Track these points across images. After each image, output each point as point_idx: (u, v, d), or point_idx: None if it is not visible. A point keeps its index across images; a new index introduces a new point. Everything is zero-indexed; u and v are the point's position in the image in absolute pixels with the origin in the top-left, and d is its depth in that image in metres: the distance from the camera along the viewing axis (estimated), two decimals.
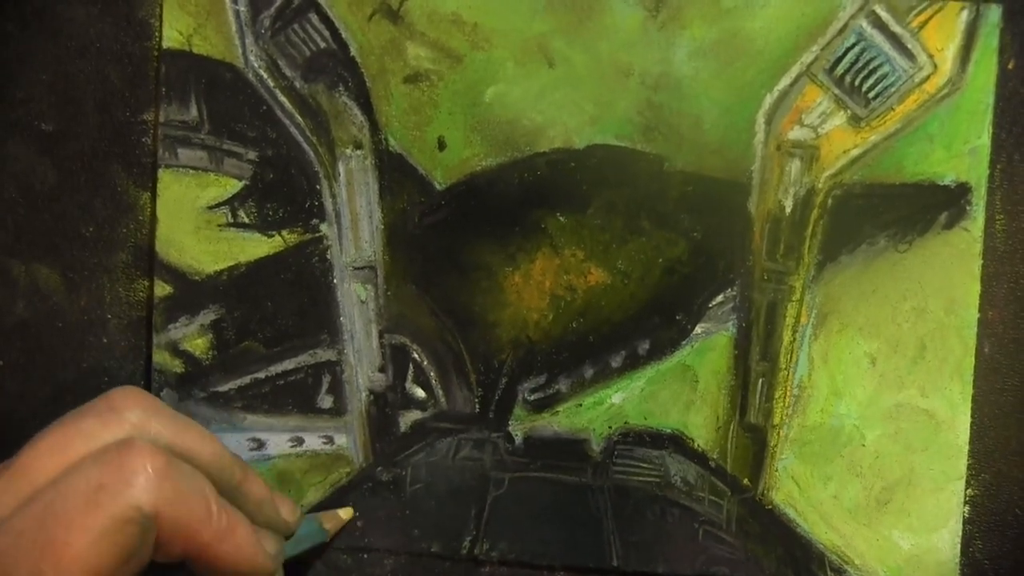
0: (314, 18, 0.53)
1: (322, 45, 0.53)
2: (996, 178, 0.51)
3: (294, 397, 0.54)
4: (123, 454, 0.36)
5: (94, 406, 0.39)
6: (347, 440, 0.54)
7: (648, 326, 0.53)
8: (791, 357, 0.52)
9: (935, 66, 0.50)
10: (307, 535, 0.47)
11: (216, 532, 0.38)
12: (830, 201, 0.51)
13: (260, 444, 0.55)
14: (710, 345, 0.53)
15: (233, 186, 0.54)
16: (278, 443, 0.55)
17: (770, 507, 0.53)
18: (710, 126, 0.51)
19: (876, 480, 0.52)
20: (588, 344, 0.53)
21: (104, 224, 0.55)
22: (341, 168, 0.53)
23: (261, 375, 0.54)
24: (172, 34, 0.53)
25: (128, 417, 0.38)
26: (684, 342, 0.53)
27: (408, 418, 0.54)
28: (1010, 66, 0.51)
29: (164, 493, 0.36)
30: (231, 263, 0.54)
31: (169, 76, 0.53)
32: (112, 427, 0.38)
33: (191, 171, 0.54)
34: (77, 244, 0.55)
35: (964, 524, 0.52)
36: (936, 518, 0.52)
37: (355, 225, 0.53)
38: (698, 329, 0.52)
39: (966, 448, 0.52)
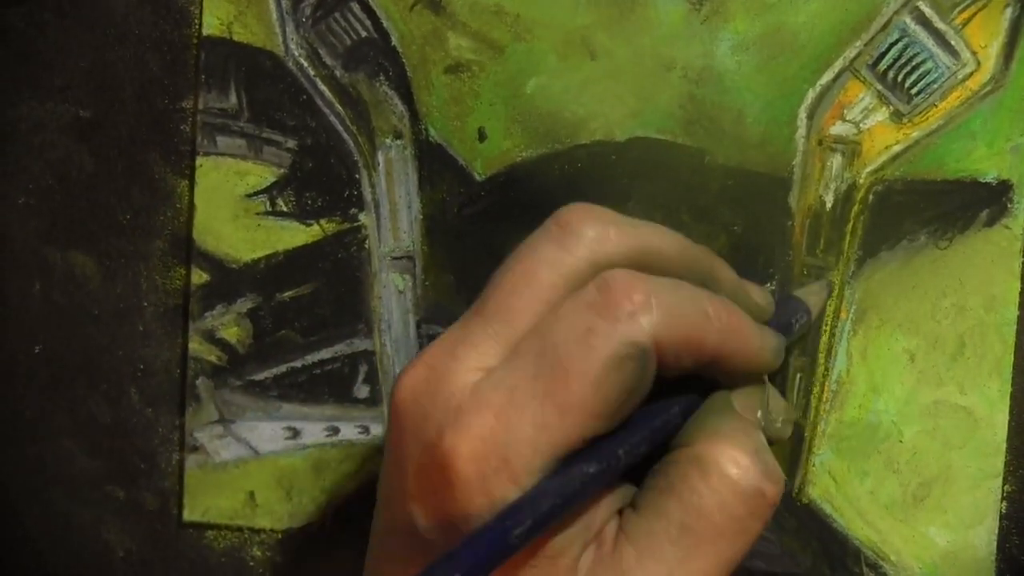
0: (355, 7, 0.53)
1: (363, 34, 0.53)
2: None
3: (330, 386, 0.54)
4: (604, 294, 0.34)
5: (546, 230, 0.38)
6: (383, 430, 0.54)
7: None
8: (830, 353, 0.52)
9: (978, 63, 0.50)
10: (795, 319, 0.42)
11: (720, 333, 0.36)
12: (871, 197, 0.51)
13: (295, 433, 0.55)
14: None
15: (272, 174, 0.54)
16: (313, 432, 0.55)
17: (807, 502, 0.53)
18: (752, 120, 0.51)
19: (913, 476, 0.52)
20: None
21: (141, 211, 0.55)
22: (380, 158, 0.53)
23: (297, 364, 0.54)
24: (212, 21, 0.53)
25: (585, 233, 0.36)
26: None
27: None
28: None
29: (656, 319, 0.34)
30: (269, 251, 0.54)
31: (209, 64, 0.53)
32: (572, 248, 0.36)
33: (230, 159, 0.54)
34: (114, 232, 0.55)
35: (1001, 520, 0.52)
36: (973, 515, 0.52)
37: (394, 215, 0.53)
38: None
39: (1004, 445, 0.51)
